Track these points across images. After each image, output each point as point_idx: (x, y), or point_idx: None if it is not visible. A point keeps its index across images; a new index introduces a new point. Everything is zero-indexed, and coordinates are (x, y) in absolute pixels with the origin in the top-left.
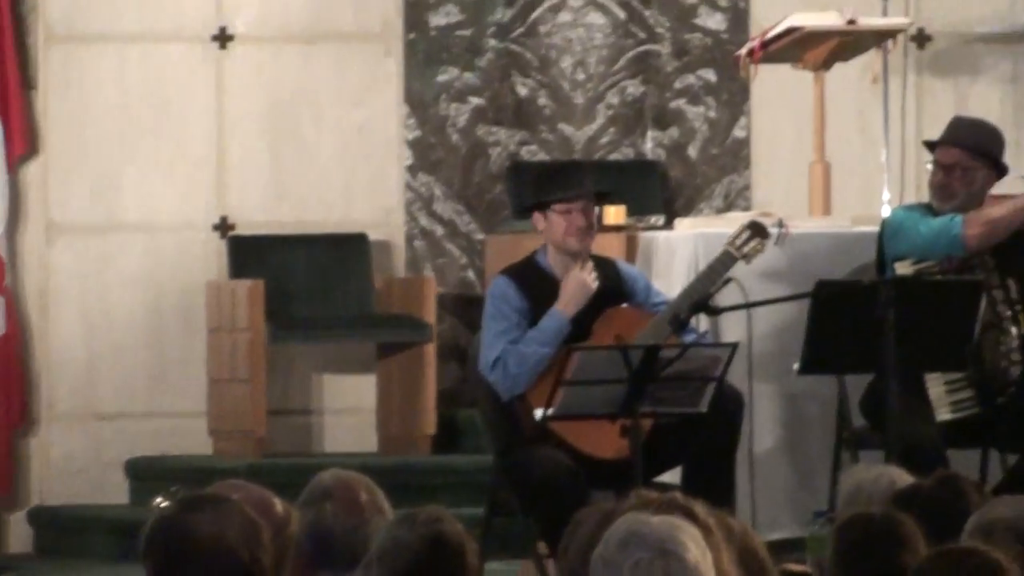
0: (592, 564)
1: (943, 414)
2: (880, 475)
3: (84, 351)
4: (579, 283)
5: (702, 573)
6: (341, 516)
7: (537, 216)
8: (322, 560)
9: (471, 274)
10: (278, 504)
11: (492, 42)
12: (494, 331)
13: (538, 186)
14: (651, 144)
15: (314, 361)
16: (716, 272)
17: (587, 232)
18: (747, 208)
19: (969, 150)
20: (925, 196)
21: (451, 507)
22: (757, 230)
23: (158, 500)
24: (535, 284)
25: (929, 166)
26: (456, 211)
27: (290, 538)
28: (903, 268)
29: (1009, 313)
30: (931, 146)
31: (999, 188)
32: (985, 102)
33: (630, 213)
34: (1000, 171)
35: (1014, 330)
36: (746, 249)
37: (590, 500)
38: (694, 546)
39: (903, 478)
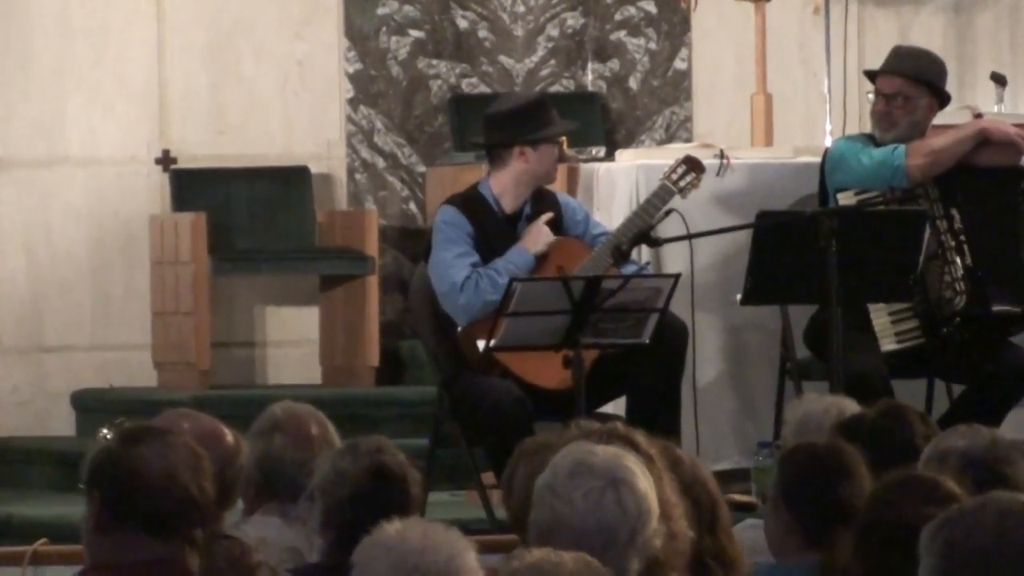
0: (538, 493)
1: (888, 344)
2: (830, 405)
3: (28, 285)
4: (545, 232)
5: (650, 501)
6: (290, 448)
7: (516, 150)
8: (270, 491)
9: (413, 207)
10: (228, 434)
11: None
12: (453, 253)
13: (525, 122)
14: (592, 76)
15: (257, 294)
16: (654, 206)
17: None
18: (688, 140)
19: (910, 78)
20: (868, 127)
21: (394, 438)
22: (693, 164)
23: (103, 432)
24: (480, 214)
25: (871, 96)
26: (397, 144)
27: (240, 468)
28: (845, 199)
29: (953, 243)
30: (872, 75)
31: (941, 118)
32: (927, 32)
33: (571, 145)
34: (942, 100)
35: (959, 260)
36: (682, 183)
37: (536, 430)
38: (641, 475)
39: (852, 408)
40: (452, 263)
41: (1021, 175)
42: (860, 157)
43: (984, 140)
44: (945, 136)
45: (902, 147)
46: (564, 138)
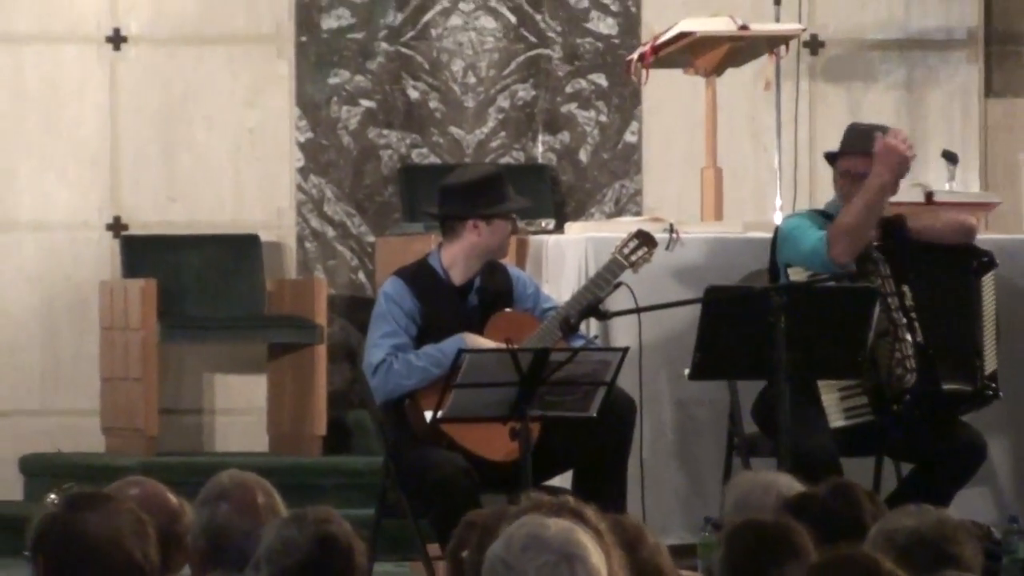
0: (490, 566)
1: (836, 421)
2: (769, 484)
3: None
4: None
5: None
6: (236, 517)
7: (470, 224)
8: (216, 559)
9: (362, 276)
10: (172, 498)
11: (383, 45)
12: (380, 332)
13: (480, 196)
14: (542, 148)
15: (206, 361)
16: (604, 279)
17: None
18: (638, 213)
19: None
20: (817, 202)
21: (340, 507)
22: (645, 239)
23: (51, 497)
24: (428, 286)
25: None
26: (347, 213)
27: (184, 530)
28: (796, 274)
29: (904, 320)
30: (833, 156)
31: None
32: (879, 108)
33: (521, 217)
34: None
35: (909, 337)
36: (633, 258)
37: (481, 503)
38: (593, 550)
39: (792, 486)
40: (375, 343)
41: (973, 254)
42: (800, 243)
43: (893, 188)
44: (848, 210)
45: (822, 238)
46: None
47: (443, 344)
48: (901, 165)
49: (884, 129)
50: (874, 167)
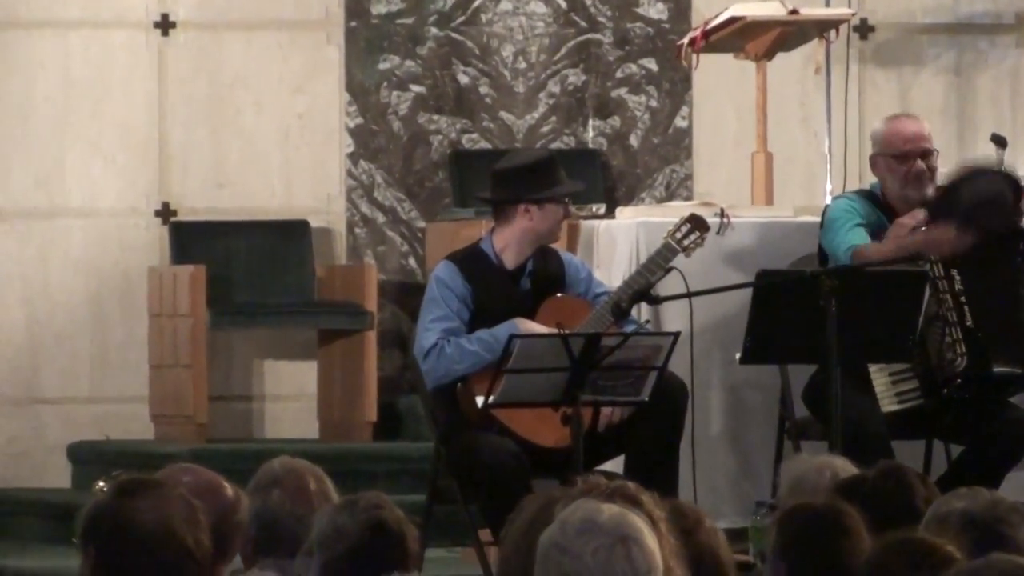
0: (544, 551)
1: (888, 405)
2: (823, 465)
3: (26, 336)
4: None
5: (658, 558)
6: (288, 504)
7: (521, 208)
8: (268, 545)
9: (412, 262)
10: (228, 488)
11: (433, 30)
12: (432, 316)
13: (532, 180)
14: (592, 133)
15: (255, 347)
16: (656, 264)
17: None
18: (688, 198)
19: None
20: (867, 186)
21: (391, 494)
22: (697, 223)
23: (99, 485)
24: (481, 271)
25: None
26: (397, 199)
27: (240, 522)
28: None
29: (954, 305)
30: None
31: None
32: (928, 93)
33: (572, 202)
34: None
35: (959, 321)
36: (686, 242)
37: (533, 488)
38: (647, 532)
39: (846, 468)
40: (427, 327)
41: (1021, 236)
42: (837, 235)
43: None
44: (887, 245)
45: (853, 247)
46: (568, 198)
47: (496, 329)
48: (942, 251)
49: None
50: (925, 236)
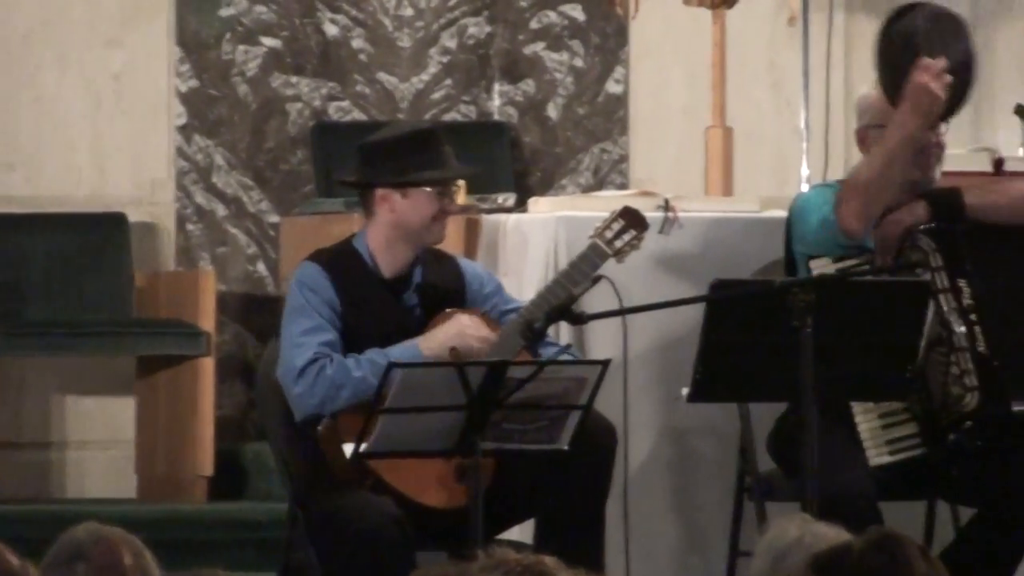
0: None
1: (878, 456)
2: (811, 534)
3: None
4: (472, 330)
5: None
6: None
7: (384, 193)
8: None
9: (262, 267)
10: (13, 558)
11: None
12: (302, 327)
13: (397, 158)
14: (499, 101)
15: (54, 379)
16: (580, 272)
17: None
18: (624, 186)
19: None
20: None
21: (233, 570)
22: (633, 219)
23: None
24: (353, 278)
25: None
26: (243, 185)
27: None
28: (821, 266)
29: (962, 325)
30: None
31: (952, 163)
32: None
33: (471, 190)
34: None
35: (969, 347)
36: (618, 243)
37: (417, 562)
38: None
39: (841, 539)
40: (297, 342)
41: None
42: (811, 216)
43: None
44: (867, 160)
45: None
46: (460, 184)
47: (393, 350)
48: (931, 106)
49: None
50: (899, 109)
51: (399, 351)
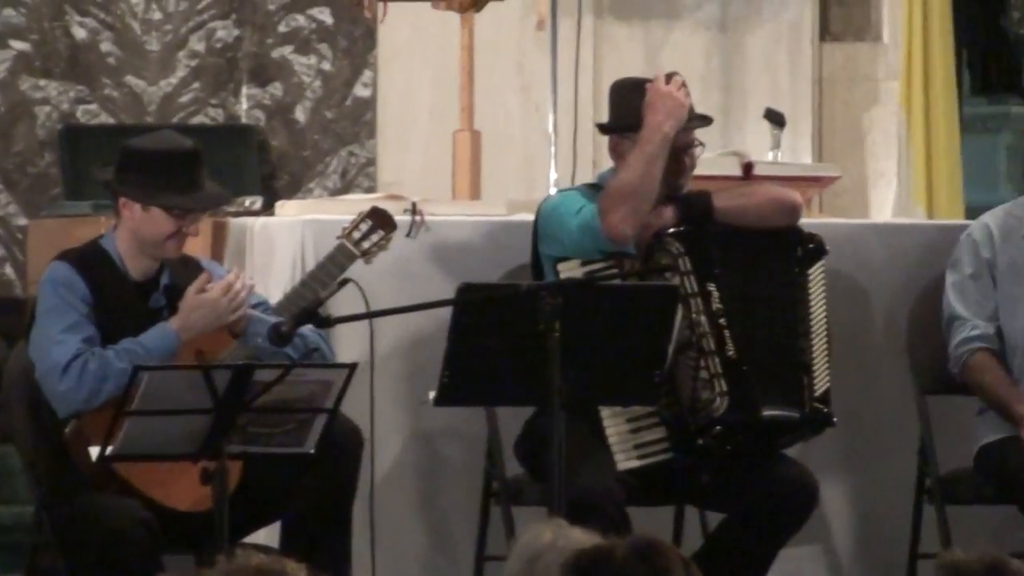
0: None
1: (626, 460)
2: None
3: None
4: (210, 305)
5: None
6: None
7: (126, 201)
8: None
9: (9, 271)
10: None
11: None
12: (60, 326)
13: (146, 173)
14: (247, 104)
15: None
16: (327, 273)
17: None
18: (371, 189)
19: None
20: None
21: None
22: (381, 220)
23: None
24: (103, 277)
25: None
26: None
27: None
28: (569, 269)
29: (711, 329)
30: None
31: (702, 166)
32: (684, 54)
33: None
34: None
35: (718, 351)
36: (366, 244)
37: (164, 565)
38: None
39: (589, 541)
40: (57, 339)
41: (797, 239)
42: (569, 221)
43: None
44: (626, 165)
45: (597, 207)
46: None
47: (145, 337)
48: (678, 110)
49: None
50: (647, 118)
51: (153, 336)
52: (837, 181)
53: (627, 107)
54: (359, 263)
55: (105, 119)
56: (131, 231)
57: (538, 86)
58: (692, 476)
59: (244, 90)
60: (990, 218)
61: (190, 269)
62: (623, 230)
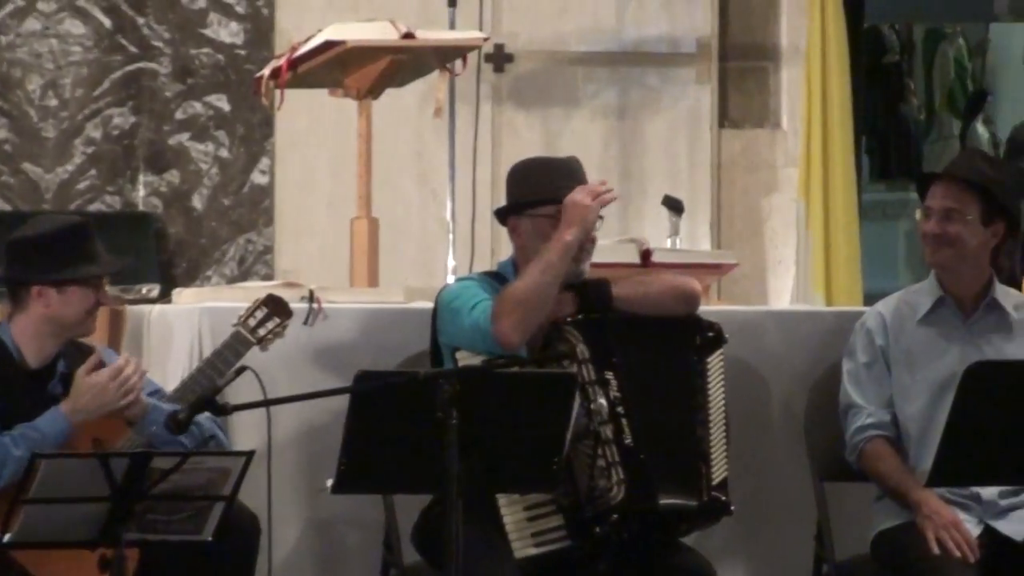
0: None
1: (523, 548)
2: None
3: None
4: (100, 388)
5: None
6: None
7: (40, 289)
8: None
9: None
10: None
11: None
12: None
13: (52, 255)
14: (144, 191)
15: None
16: (225, 360)
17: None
18: (269, 276)
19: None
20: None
21: None
22: (276, 307)
23: None
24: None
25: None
26: None
27: None
28: (467, 357)
29: (608, 417)
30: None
31: (599, 254)
32: (583, 141)
33: (116, 281)
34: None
35: (615, 439)
36: (262, 331)
37: None
38: None
39: None
40: None
41: (696, 328)
42: (463, 318)
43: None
44: (524, 273)
45: (490, 308)
46: (105, 279)
47: (39, 421)
48: (586, 220)
49: (569, 169)
50: (559, 229)
51: (46, 420)
52: (736, 268)
53: (524, 186)
54: (256, 350)
55: (1, 206)
56: (43, 319)
57: (436, 173)
58: (590, 564)
59: (141, 177)
60: (883, 306)
61: (86, 355)
62: (513, 339)
